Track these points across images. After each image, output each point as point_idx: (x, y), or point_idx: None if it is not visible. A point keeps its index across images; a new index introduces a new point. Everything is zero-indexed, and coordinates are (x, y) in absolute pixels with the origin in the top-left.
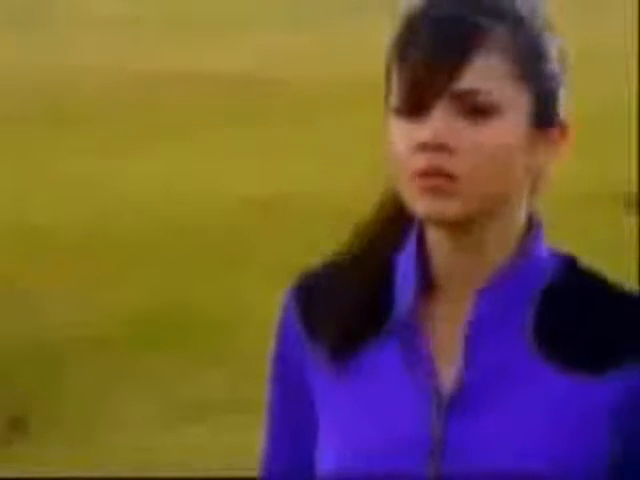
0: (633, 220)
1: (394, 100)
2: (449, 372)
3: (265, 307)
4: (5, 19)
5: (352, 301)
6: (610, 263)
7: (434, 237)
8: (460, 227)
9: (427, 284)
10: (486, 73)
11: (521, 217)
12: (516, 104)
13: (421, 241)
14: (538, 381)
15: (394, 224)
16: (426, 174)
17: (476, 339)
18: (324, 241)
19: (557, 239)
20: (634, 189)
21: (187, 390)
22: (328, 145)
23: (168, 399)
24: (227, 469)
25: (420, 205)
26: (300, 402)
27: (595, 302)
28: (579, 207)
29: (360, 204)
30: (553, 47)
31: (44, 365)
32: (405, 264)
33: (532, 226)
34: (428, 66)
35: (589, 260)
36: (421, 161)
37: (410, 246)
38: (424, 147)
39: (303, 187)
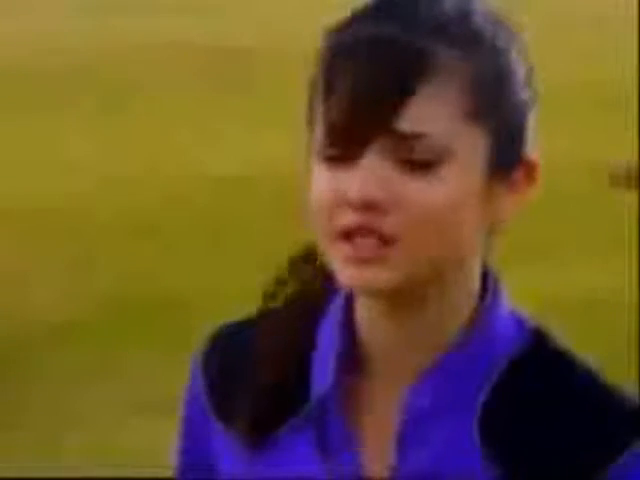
0: (633, 195)
1: (317, 140)
2: (378, 465)
3: (241, 292)
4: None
5: (266, 378)
6: (610, 239)
7: (363, 304)
8: (395, 298)
9: (353, 360)
10: (433, 111)
11: (474, 277)
12: (470, 147)
13: (349, 306)
14: None
15: (320, 281)
16: (351, 235)
17: (411, 435)
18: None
19: (558, 215)
20: (634, 164)
21: (160, 383)
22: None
23: (141, 391)
24: None
25: (343, 273)
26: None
27: (564, 400)
28: (578, 181)
29: None
30: (520, 68)
31: (8, 352)
32: (328, 335)
33: (487, 286)
34: (357, 104)
35: (589, 236)
36: (346, 218)
37: (334, 312)
38: (350, 204)
39: (278, 167)
